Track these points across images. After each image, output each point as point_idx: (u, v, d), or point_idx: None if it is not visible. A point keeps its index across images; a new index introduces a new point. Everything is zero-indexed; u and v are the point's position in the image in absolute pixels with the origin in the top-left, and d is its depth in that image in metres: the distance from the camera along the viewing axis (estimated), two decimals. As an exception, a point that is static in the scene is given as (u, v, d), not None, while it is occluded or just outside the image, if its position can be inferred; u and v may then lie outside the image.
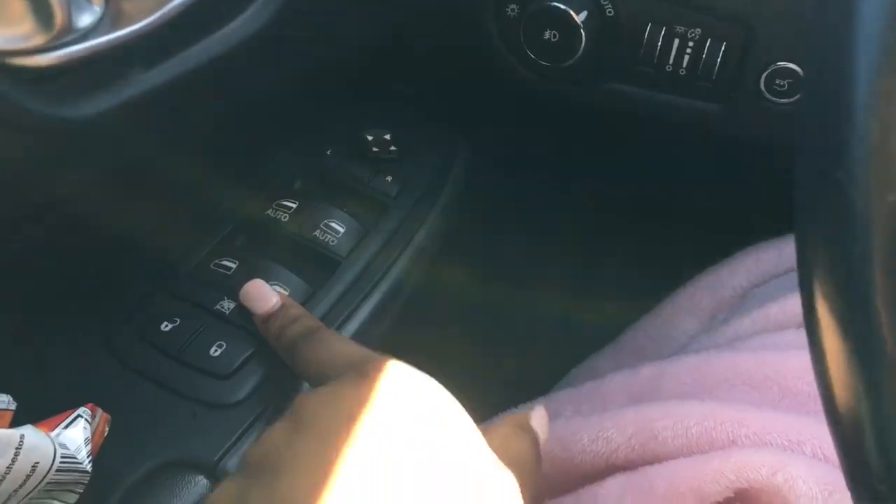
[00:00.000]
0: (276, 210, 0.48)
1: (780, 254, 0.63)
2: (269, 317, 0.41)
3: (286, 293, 0.44)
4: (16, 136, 0.29)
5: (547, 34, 0.56)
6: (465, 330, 0.70)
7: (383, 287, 0.47)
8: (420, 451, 0.29)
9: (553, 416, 0.53)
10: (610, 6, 0.56)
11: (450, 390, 0.35)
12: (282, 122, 0.51)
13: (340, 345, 0.36)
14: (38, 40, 0.28)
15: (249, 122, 0.46)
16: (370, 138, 0.55)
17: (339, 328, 0.44)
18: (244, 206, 0.48)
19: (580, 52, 0.56)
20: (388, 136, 0.56)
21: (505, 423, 0.37)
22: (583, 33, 0.55)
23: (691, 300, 0.65)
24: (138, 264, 0.43)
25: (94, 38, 0.30)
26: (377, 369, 0.32)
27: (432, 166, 0.55)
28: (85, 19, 0.30)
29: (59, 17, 0.28)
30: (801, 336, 0.50)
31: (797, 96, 0.55)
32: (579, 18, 0.55)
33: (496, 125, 0.64)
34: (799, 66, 0.54)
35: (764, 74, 0.55)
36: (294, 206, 0.48)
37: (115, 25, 0.31)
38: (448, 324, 0.68)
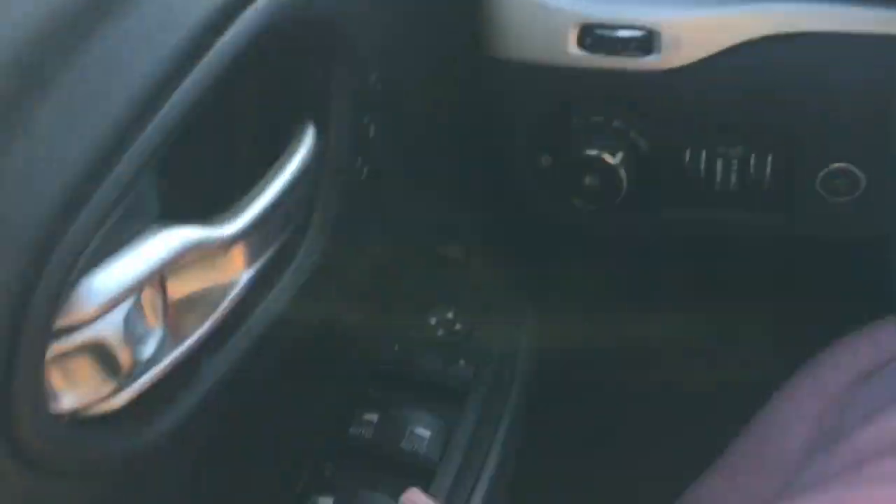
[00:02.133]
0: (359, 426, 0.48)
1: (877, 343, 0.60)
2: None
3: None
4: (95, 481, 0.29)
5: (587, 180, 0.55)
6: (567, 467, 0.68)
7: (483, 486, 0.46)
8: None
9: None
10: (643, 141, 0.55)
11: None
12: (345, 337, 0.51)
13: None
14: (108, 387, 0.29)
15: (314, 353, 0.46)
16: (433, 322, 0.55)
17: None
18: (325, 431, 0.48)
19: (623, 191, 0.55)
20: (451, 315, 0.55)
21: None
22: (622, 174, 0.54)
23: (794, 406, 0.62)
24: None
25: (159, 360, 0.30)
26: None
27: (502, 337, 0.54)
28: (148, 349, 0.30)
29: (124, 362, 0.29)
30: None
31: (858, 192, 0.53)
32: (615, 160, 0.54)
33: (557, 278, 0.63)
34: (853, 165, 0.52)
35: (818, 178, 0.53)
36: (375, 418, 0.48)
37: (176, 340, 0.31)
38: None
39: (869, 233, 0.55)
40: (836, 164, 0.52)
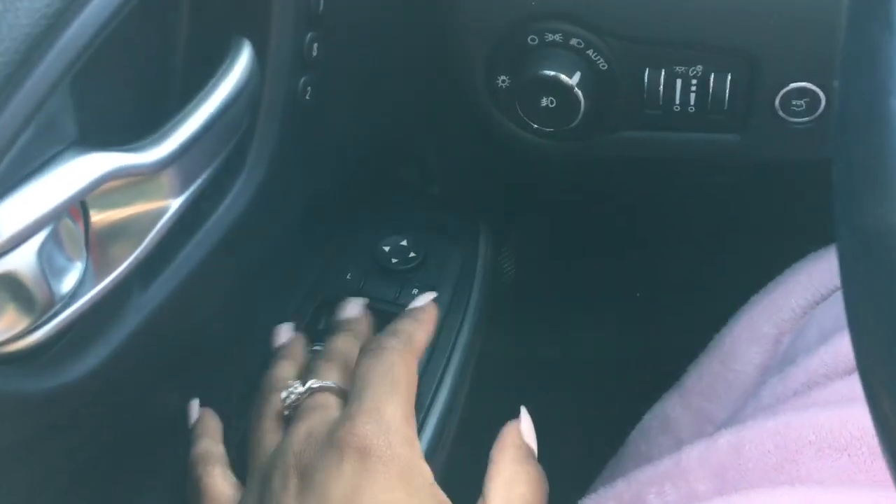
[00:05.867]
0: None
1: (832, 266, 0.60)
2: None
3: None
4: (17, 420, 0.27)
5: (544, 101, 0.54)
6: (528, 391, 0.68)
7: (434, 416, 0.45)
8: None
9: (636, 503, 0.50)
10: (602, 60, 0.54)
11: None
12: (295, 263, 0.50)
13: None
14: (23, 324, 0.27)
15: (260, 281, 0.44)
16: (387, 249, 0.54)
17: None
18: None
19: (581, 112, 0.54)
20: (405, 243, 0.54)
21: (500, 458, 0.39)
22: (580, 94, 0.53)
23: (751, 328, 0.62)
24: (180, 461, 0.42)
25: (81, 295, 0.28)
26: None
27: (455, 266, 0.53)
28: (68, 282, 0.28)
29: (39, 297, 0.27)
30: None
31: (817, 113, 0.52)
32: (573, 81, 0.53)
33: (512, 201, 0.62)
34: (814, 84, 0.51)
35: (777, 98, 0.52)
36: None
37: (101, 272, 0.29)
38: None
39: (826, 155, 0.54)
40: (796, 84, 0.51)
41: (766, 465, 0.46)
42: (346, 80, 0.45)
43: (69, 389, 0.29)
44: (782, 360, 0.59)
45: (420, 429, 0.45)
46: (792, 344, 0.59)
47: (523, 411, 0.42)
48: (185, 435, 0.43)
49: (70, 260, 0.28)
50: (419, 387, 0.46)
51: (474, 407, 0.51)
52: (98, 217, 0.29)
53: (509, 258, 0.63)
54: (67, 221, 0.28)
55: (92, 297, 0.29)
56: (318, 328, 0.50)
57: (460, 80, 0.54)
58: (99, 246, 0.29)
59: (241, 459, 0.42)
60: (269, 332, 0.47)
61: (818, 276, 0.60)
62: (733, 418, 0.56)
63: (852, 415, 0.44)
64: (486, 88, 0.55)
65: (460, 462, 0.47)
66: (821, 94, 0.51)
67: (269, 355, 0.46)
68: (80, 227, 0.28)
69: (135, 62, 0.31)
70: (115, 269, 0.29)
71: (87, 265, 0.29)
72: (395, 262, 0.53)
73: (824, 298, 0.60)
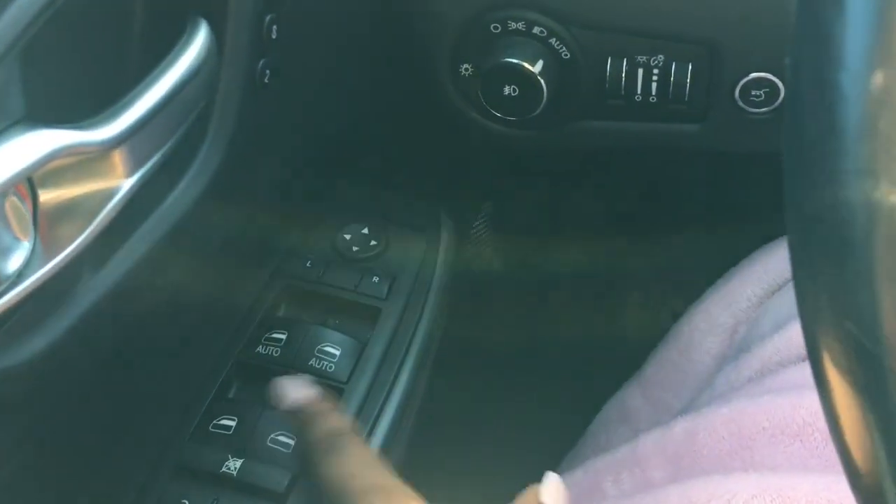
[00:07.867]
0: (266, 346, 0.46)
1: (787, 256, 0.61)
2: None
3: (291, 443, 0.42)
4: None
5: (506, 90, 0.54)
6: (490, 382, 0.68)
7: (392, 405, 0.45)
8: None
9: (593, 491, 0.51)
10: (565, 49, 0.54)
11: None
12: (254, 249, 0.49)
13: (359, 464, 0.35)
14: (-33, 303, 0.26)
15: (218, 267, 0.44)
16: (348, 237, 0.53)
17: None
18: (231, 349, 0.46)
19: (543, 101, 0.54)
20: (366, 231, 0.54)
21: None
22: (543, 83, 0.53)
23: (708, 319, 0.63)
24: (134, 445, 0.41)
25: (29, 275, 0.28)
26: None
27: (417, 254, 0.53)
28: (15, 261, 0.28)
29: (-17, 276, 0.26)
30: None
31: (776, 104, 0.53)
32: (536, 69, 0.53)
33: (475, 190, 0.62)
34: (773, 74, 0.52)
35: (737, 88, 0.53)
36: (283, 337, 0.46)
37: (50, 252, 0.28)
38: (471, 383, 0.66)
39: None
40: (756, 74, 0.52)
41: (720, 451, 0.46)
42: (307, 65, 0.45)
43: (16, 372, 0.29)
44: (737, 349, 0.59)
45: (377, 417, 0.45)
46: (747, 333, 0.60)
47: (548, 476, 0.37)
48: (135, 420, 0.42)
49: (17, 239, 0.28)
50: (378, 375, 0.46)
51: (435, 395, 0.51)
52: (47, 196, 0.28)
53: (472, 247, 0.63)
54: (14, 199, 0.27)
55: (40, 278, 0.28)
56: (278, 315, 0.49)
57: (423, 68, 0.54)
58: (48, 226, 0.29)
59: (197, 449, 0.41)
60: (227, 319, 0.47)
61: (773, 267, 0.61)
62: (689, 407, 0.57)
63: (805, 401, 0.45)
64: (448, 76, 0.55)
65: (421, 446, 0.46)
66: (780, 84, 0.52)
67: (228, 343, 0.46)
68: (28, 206, 0.28)
69: (87, 38, 0.31)
70: (64, 249, 0.29)
71: (35, 245, 0.28)
72: (356, 251, 0.52)
73: (779, 288, 0.61)
